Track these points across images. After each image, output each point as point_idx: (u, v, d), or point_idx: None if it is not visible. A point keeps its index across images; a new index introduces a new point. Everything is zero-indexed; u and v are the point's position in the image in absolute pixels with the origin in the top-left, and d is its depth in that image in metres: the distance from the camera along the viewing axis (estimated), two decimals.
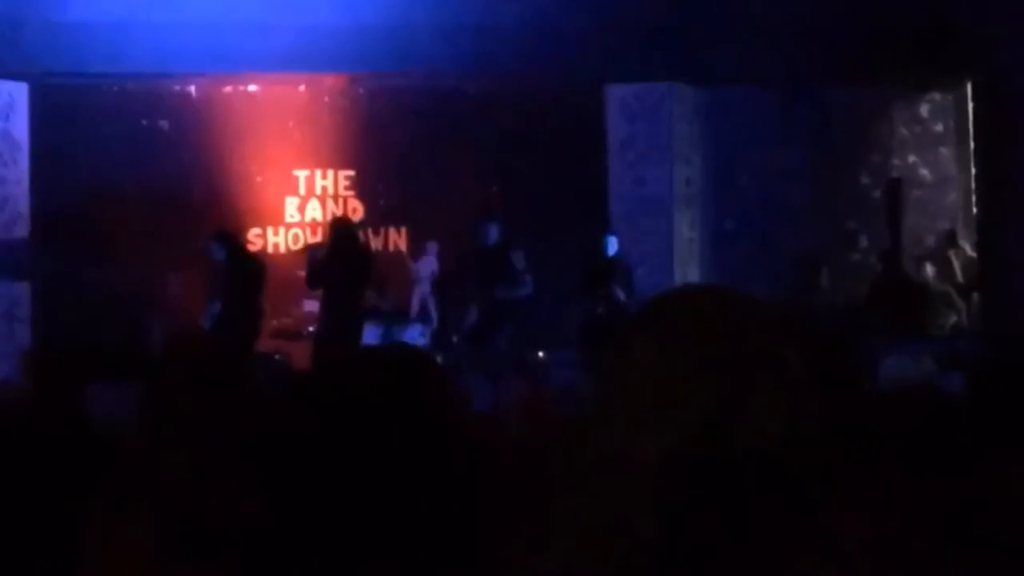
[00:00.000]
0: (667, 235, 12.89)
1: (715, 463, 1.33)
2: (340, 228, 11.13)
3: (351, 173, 14.00)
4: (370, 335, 11.59)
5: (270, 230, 13.80)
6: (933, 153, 13.83)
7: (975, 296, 12.91)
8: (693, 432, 1.33)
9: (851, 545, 1.45)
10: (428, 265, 13.53)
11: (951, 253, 13.16)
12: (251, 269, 11.21)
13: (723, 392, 1.33)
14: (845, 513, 1.48)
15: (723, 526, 1.33)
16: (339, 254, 10.61)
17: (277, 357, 11.69)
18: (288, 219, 13.93)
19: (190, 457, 2.47)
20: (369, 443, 1.84)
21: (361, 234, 12.66)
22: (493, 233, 11.25)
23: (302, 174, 13.94)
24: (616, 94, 13.10)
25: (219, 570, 2.26)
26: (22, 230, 12.41)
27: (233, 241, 11.42)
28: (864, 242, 13.56)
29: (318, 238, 13.76)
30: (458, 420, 1.98)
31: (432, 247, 13.56)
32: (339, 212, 13.70)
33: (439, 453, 1.86)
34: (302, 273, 12.67)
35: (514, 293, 11.19)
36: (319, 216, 13.90)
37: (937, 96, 13.89)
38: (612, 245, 11.85)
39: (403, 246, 14.00)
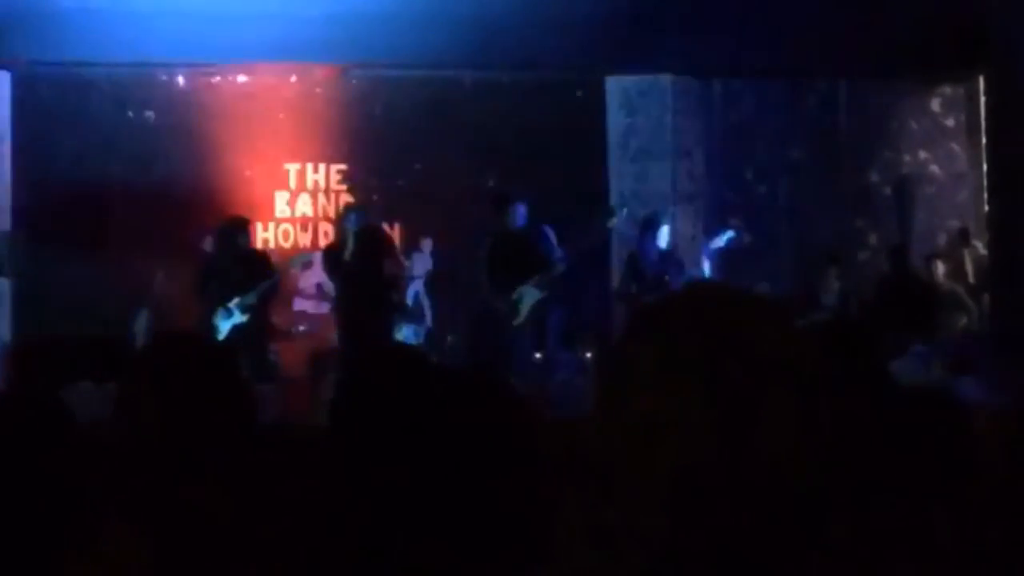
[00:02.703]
0: (669, 231, 12.64)
1: (724, 474, 1.28)
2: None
3: (343, 167, 13.76)
4: None
5: (259, 225, 13.50)
6: (944, 149, 13.72)
7: (986, 297, 12.75)
8: (700, 441, 1.28)
9: (859, 555, 1.49)
10: (422, 262, 13.35)
11: (964, 252, 12.93)
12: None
13: (732, 398, 1.28)
14: (858, 522, 1.50)
15: (734, 540, 1.28)
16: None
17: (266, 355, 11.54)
18: (278, 214, 13.70)
19: (177, 458, 2.40)
20: (366, 444, 1.87)
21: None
22: (522, 215, 10.59)
23: (293, 168, 13.70)
24: (617, 86, 12.95)
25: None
26: (4, 223, 12.26)
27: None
28: (873, 240, 13.42)
29: (308, 234, 13.63)
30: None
31: (426, 243, 13.38)
32: (331, 207, 13.55)
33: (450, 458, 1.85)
34: (294, 271, 12.53)
35: (554, 274, 10.48)
36: (310, 211, 13.72)
37: (948, 90, 13.76)
38: (663, 237, 10.94)
39: (396, 242, 13.71)
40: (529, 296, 10.41)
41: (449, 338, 12.32)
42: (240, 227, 11.18)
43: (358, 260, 10.61)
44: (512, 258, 10.43)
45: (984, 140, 13.04)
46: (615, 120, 12.96)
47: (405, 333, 11.90)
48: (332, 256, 10.98)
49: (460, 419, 1.89)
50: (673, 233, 12.31)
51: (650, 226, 10.93)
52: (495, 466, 1.87)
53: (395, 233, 13.78)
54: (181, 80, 13.23)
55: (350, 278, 10.70)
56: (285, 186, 13.73)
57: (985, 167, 13.05)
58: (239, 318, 10.77)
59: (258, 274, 10.92)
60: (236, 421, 2.43)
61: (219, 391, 2.42)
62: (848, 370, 2.75)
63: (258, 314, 10.92)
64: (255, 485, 2.36)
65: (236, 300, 10.81)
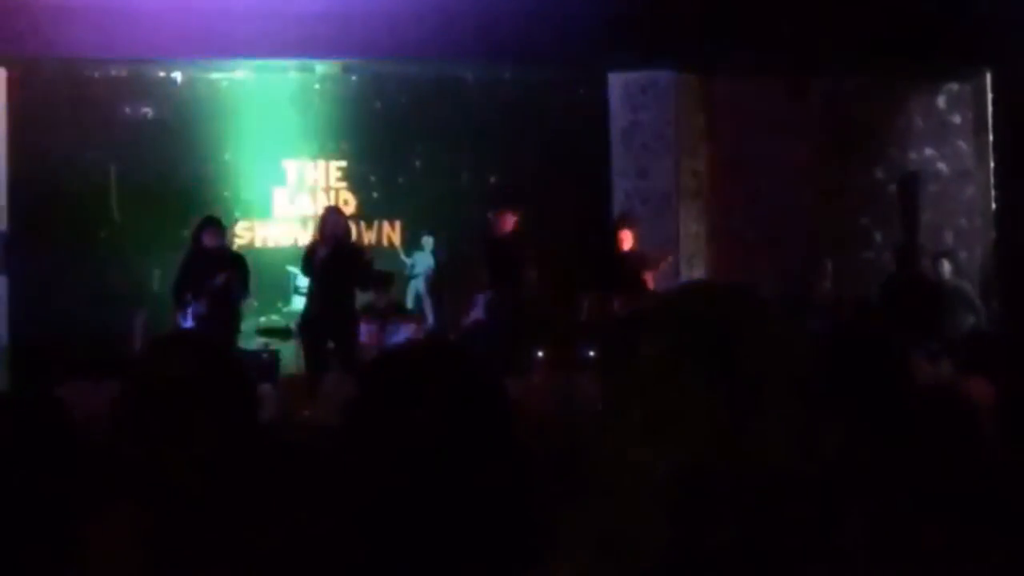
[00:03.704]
0: (672, 230, 12.62)
1: (726, 474, 1.28)
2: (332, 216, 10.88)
3: (343, 164, 13.67)
4: (364, 333, 11.37)
5: (258, 223, 13.49)
6: (950, 146, 13.62)
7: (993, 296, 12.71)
8: (702, 440, 1.28)
9: (865, 556, 1.44)
10: (423, 260, 13.27)
11: None
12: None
13: (734, 398, 1.28)
14: (859, 523, 1.46)
15: (735, 540, 1.27)
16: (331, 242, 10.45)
17: (265, 355, 11.47)
18: (277, 211, 13.61)
19: (175, 462, 2.36)
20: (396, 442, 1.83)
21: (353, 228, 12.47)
22: (506, 225, 11.00)
23: (292, 165, 13.61)
24: (620, 82, 12.86)
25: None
26: (1, 222, 12.21)
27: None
28: (878, 238, 13.33)
29: (308, 231, 13.58)
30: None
31: (427, 242, 13.29)
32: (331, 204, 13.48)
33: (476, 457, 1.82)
34: (292, 269, 12.47)
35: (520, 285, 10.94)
36: (309, 209, 13.58)
37: (954, 86, 13.64)
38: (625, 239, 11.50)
39: (397, 240, 13.66)
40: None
41: (451, 337, 12.23)
42: (205, 226, 10.76)
43: (330, 263, 10.44)
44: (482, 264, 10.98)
45: (991, 137, 13.01)
46: (618, 116, 12.87)
47: (406, 332, 11.83)
48: (305, 255, 10.87)
49: (448, 413, 1.85)
50: (673, 230, 12.34)
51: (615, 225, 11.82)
52: (486, 464, 1.83)
53: (395, 231, 13.72)
54: (179, 77, 13.17)
55: (321, 279, 10.59)
56: (284, 183, 13.66)
57: (992, 164, 13.01)
58: (189, 323, 10.43)
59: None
60: (236, 420, 2.39)
61: (219, 390, 2.38)
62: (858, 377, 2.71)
63: (213, 323, 10.37)
64: (256, 485, 2.33)
65: (191, 304, 10.54)
